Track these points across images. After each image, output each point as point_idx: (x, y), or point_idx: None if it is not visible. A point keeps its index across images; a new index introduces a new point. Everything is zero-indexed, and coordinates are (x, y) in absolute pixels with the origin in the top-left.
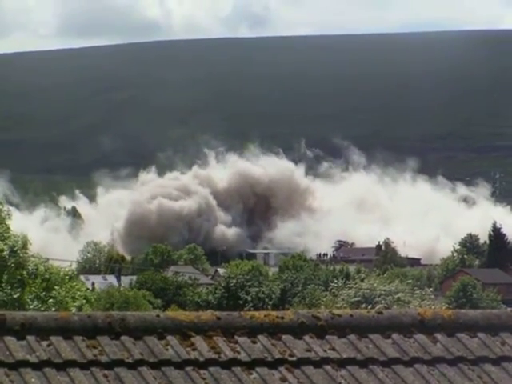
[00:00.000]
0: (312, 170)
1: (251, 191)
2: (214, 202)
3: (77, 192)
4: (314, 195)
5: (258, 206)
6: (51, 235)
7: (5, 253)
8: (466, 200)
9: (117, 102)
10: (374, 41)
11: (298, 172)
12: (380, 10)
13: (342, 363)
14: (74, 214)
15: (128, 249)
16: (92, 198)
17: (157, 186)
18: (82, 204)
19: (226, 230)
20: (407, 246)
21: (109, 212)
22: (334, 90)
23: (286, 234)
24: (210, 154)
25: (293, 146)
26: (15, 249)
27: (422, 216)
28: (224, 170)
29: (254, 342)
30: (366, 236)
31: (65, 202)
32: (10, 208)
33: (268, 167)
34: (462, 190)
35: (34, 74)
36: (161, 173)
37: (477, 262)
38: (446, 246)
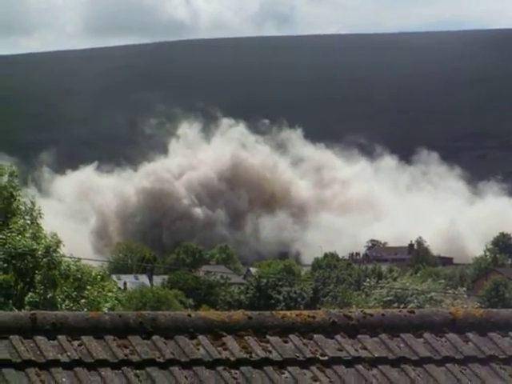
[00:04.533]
0: (345, 168)
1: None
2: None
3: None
4: (349, 193)
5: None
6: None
7: (39, 253)
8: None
9: (145, 102)
10: (402, 40)
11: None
12: (407, 9)
13: (373, 362)
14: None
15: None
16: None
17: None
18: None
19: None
20: (438, 246)
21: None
22: (361, 90)
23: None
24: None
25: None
26: (49, 249)
27: (453, 214)
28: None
29: (286, 342)
30: (399, 235)
31: None
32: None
33: (307, 164)
34: (494, 188)
35: (61, 73)
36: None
37: (509, 261)
38: (477, 245)
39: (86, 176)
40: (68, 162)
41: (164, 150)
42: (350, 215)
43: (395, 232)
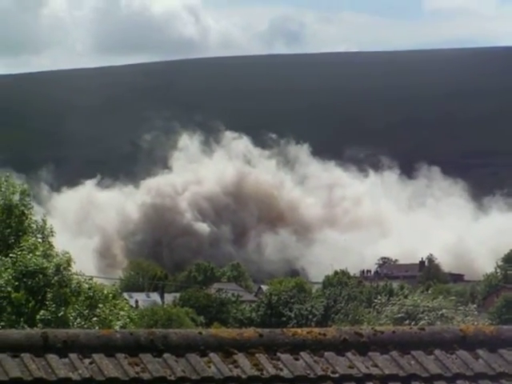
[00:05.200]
0: (351, 185)
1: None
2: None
3: None
4: (354, 210)
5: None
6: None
7: (50, 271)
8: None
9: (154, 120)
10: (411, 57)
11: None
12: (416, 27)
13: (384, 380)
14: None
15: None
16: None
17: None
18: None
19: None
20: (446, 262)
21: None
22: (371, 107)
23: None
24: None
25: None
26: (60, 267)
27: (459, 230)
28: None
29: (297, 359)
30: (405, 252)
31: None
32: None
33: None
34: (504, 205)
35: (71, 91)
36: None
37: None
38: (485, 260)
39: (87, 192)
40: (69, 178)
41: (168, 165)
42: (355, 232)
43: (402, 249)
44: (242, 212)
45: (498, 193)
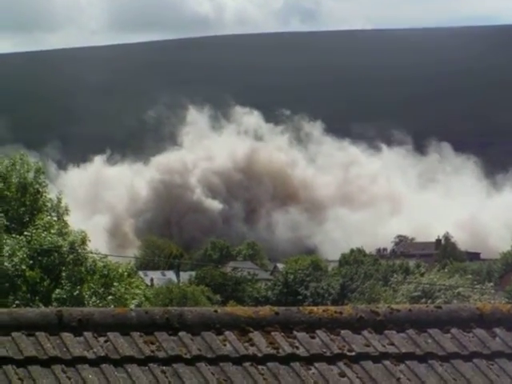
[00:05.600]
0: (368, 162)
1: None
2: None
3: None
4: (373, 186)
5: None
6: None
7: (64, 249)
8: None
9: (168, 98)
10: (426, 35)
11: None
12: (431, 3)
13: (400, 358)
14: None
15: None
16: None
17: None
18: None
19: None
20: (460, 239)
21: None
22: (386, 87)
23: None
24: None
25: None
26: (75, 245)
27: (477, 208)
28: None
29: (313, 338)
30: (422, 230)
31: None
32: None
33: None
34: None
35: (85, 69)
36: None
37: None
38: (502, 239)
39: (96, 170)
40: (78, 155)
41: (178, 142)
42: (367, 210)
43: (414, 226)
44: (254, 189)
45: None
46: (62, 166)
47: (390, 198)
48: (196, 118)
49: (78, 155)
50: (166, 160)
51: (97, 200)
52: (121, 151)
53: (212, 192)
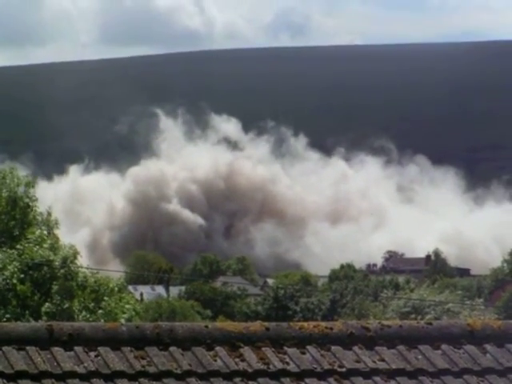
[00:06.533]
0: (349, 176)
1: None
2: None
3: None
4: (354, 200)
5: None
6: None
7: (56, 263)
8: None
9: (156, 112)
10: (415, 50)
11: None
12: (421, 19)
13: (391, 374)
14: None
15: None
16: None
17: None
18: None
19: None
20: (457, 256)
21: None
22: (376, 101)
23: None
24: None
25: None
26: (67, 260)
27: (462, 223)
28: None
29: (303, 353)
30: (417, 246)
31: None
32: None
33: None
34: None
35: (76, 83)
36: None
37: None
38: (489, 252)
39: (71, 183)
40: (52, 169)
41: (156, 153)
42: (347, 224)
43: (396, 241)
44: (233, 203)
45: (494, 183)
46: (41, 178)
47: (371, 211)
48: (172, 129)
49: (52, 169)
50: (143, 171)
51: (72, 214)
52: (96, 164)
53: (190, 204)
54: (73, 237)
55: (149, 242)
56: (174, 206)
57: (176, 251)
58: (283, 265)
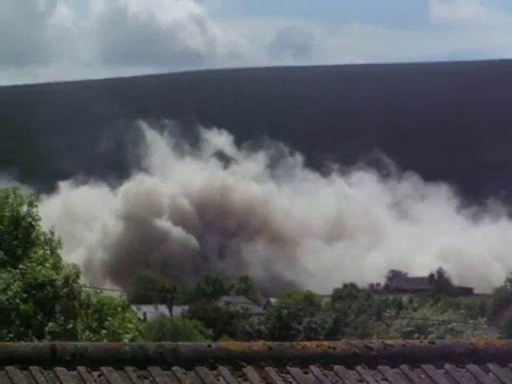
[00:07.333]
0: (344, 194)
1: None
2: None
3: None
4: (351, 217)
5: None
6: None
7: (59, 283)
8: None
9: (158, 130)
10: (418, 69)
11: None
12: (423, 37)
13: None
14: None
15: None
16: None
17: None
18: None
19: None
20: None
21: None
22: (381, 120)
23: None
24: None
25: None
26: (69, 279)
27: (468, 241)
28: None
29: (306, 373)
30: (423, 266)
31: None
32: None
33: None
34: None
35: (77, 102)
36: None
37: None
38: (495, 274)
39: (62, 201)
40: (42, 186)
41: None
42: (342, 242)
43: (396, 258)
44: (224, 221)
45: (491, 198)
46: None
47: (366, 229)
48: (172, 146)
49: (43, 186)
50: (135, 189)
51: (65, 233)
52: (85, 181)
53: (183, 222)
54: (68, 256)
55: (141, 261)
56: (167, 224)
57: (170, 271)
58: (279, 284)
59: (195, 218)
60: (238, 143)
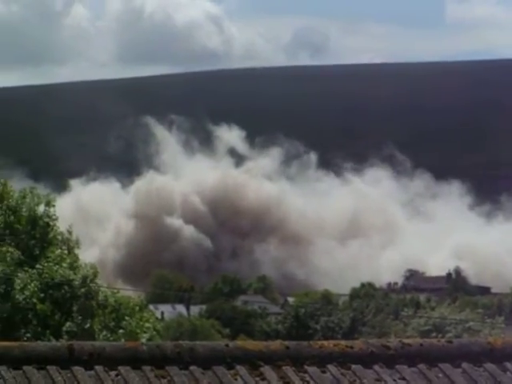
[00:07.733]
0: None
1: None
2: None
3: None
4: (365, 216)
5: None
6: None
7: (76, 283)
8: None
9: (179, 131)
10: (435, 68)
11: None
12: (440, 37)
13: None
14: None
15: None
16: None
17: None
18: None
19: None
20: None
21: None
22: (397, 119)
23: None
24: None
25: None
26: (87, 279)
27: (474, 239)
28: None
29: (324, 372)
30: (438, 265)
31: None
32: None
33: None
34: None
35: (93, 102)
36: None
37: None
38: (504, 266)
39: (74, 199)
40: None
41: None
42: (357, 241)
43: (411, 257)
44: (237, 221)
45: (505, 198)
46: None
47: (380, 228)
48: (171, 144)
49: (55, 185)
50: (147, 187)
51: (78, 234)
52: (96, 178)
53: (195, 221)
54: (82, 256)
55: (154, 261)
56: (178, 222)
57: (184, 270)
58: (293, 284)
59: (208, 216)
60: (252, 141)
